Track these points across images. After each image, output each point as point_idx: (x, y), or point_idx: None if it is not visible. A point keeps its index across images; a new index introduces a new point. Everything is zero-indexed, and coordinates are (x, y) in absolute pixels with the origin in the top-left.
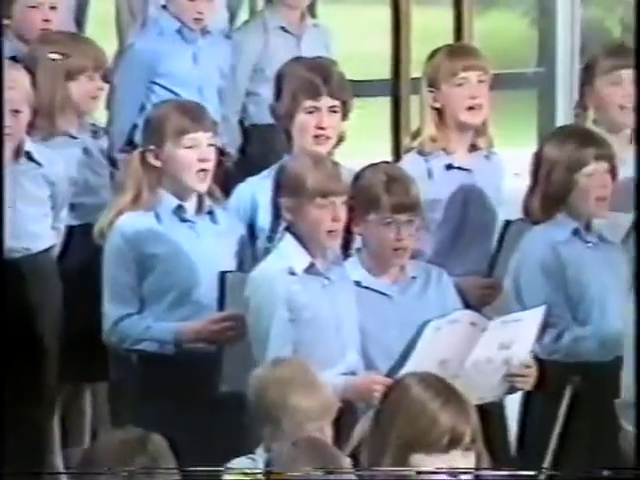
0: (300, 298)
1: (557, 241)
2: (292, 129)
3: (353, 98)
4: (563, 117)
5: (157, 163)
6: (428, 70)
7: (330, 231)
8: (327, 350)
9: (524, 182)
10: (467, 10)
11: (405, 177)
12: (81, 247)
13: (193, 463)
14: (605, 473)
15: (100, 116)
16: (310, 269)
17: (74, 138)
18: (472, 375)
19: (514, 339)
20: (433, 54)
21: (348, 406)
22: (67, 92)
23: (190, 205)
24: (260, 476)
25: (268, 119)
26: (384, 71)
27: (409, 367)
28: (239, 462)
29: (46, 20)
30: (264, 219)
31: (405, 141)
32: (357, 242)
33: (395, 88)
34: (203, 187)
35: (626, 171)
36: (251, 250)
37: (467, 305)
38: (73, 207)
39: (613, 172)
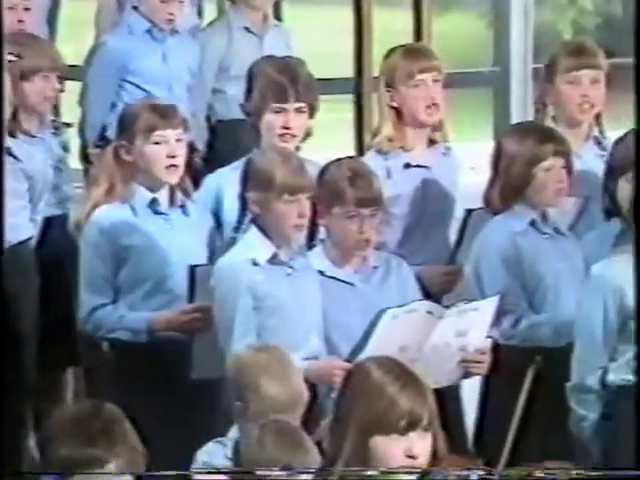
0: (263, 287)
1: (515, 232)
2: (260, 126)
3: (319, 98)
4: (517, 114)
5: (129, 158)
6: (385, 71)
7: (296, 225)
8: (290, 336)
9: (480, 176)
10: (426, 11)
11: (368, 172)
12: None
13: (164, 448)
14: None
15: (73, 113)
16: (274, 259)
17: (33, 137)
18: (430, 360)
19: (470, 327)
20: (389, 54)
21: (314, 395)
22: (23, 93)
23: (163, 198)
24: None
25: (234, 115)
26: (347, 70)
27: (368, 352)
28: (209, 447)
29: (20, 21)
30: (230, 210)
31: (367, 138)
32: (321, 233)
33: (358, 86)
34: (173, 179)
35: (582, 165)
36: (221, 241)
37: (428, 292)
38: None
39: (569, 167)
